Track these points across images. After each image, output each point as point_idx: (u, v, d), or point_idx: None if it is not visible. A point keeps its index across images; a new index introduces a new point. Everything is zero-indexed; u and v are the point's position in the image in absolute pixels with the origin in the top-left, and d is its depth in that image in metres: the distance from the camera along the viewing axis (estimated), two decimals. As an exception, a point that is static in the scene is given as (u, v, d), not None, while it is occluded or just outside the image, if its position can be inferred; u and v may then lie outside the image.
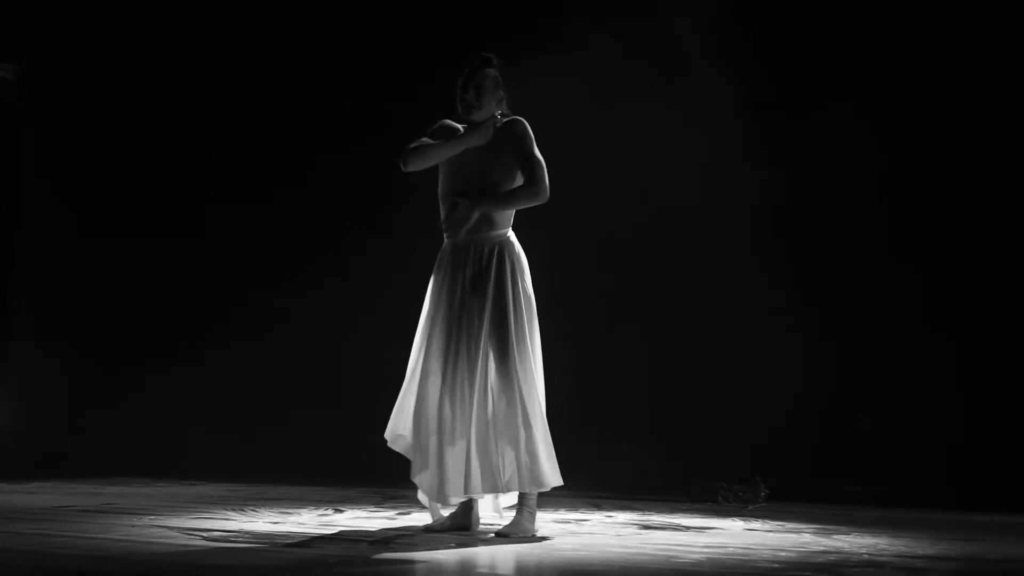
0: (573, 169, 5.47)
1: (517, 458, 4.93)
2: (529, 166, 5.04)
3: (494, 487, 4.95)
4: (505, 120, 5.12)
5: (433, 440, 4.96)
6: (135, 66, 8.91)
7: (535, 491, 5.04)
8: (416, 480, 5.07)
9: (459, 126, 5.18)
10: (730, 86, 7.64)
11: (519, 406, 4.96)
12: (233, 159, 8.70)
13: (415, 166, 5.10)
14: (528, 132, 5.07)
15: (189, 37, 8.80)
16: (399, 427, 5.14)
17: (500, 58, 5.21)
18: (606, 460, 7.69)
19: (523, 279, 5.13)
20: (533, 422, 4.97)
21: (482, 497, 5.11)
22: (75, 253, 9.01)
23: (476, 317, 5.00)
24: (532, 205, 5.11)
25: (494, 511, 5.24)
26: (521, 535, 4.97)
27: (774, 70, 7.67)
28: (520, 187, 5.06)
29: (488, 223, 5.08)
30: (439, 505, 5.13)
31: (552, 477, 4.99)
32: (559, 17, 7.80)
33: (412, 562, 4.29)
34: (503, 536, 4.96)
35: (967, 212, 7.31)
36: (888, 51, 7.40)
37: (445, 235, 5.15)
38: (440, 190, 5.19)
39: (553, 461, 5.01)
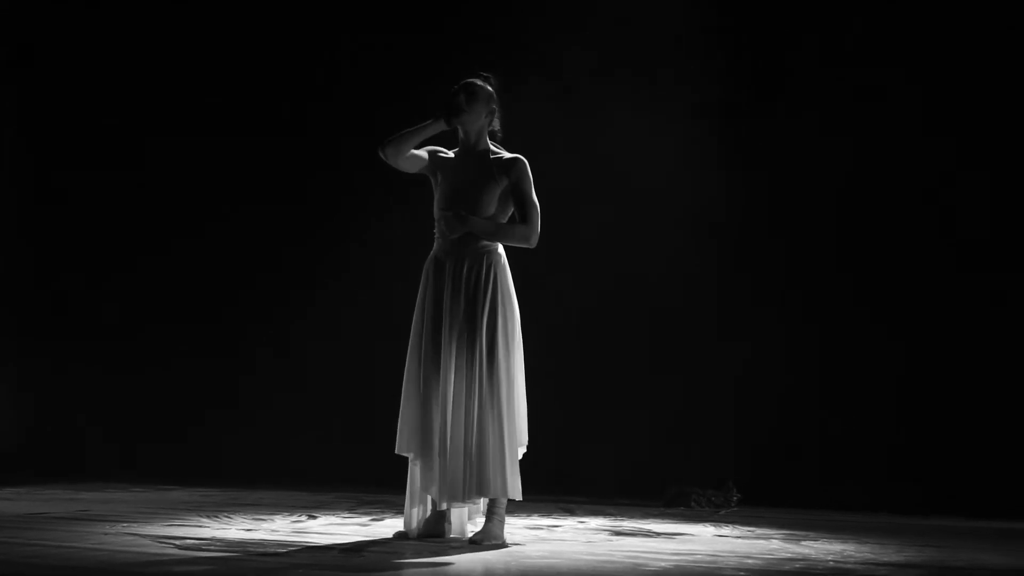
0: (543, 176, 5.52)
1: (488, 467, 4.99)
2: (525, 209, 5.17)
3: (469, 496, 5.01)
4: (507, 157, 5.21)
5: (428, 451, 5.04)
6: (112, 79, 8.91)
7: (504, 499, 5.09)
8: (424, 490, 5.13)
9: (449, 152, 5.28)
10: (696, 92, 7.72)
11: (493, 416, 5.02)
12: (221, 167, 8.71)
13: (392, 154, 5.18)
14: (529, 174, 5.19)
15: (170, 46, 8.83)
16: (402, 440, 5.20)
17: (498, 77, 5.32)
18: (581, 465, 7.74)
19: (506, 289, 5.19)
20: (504, 432, 5.03)
21: (461, 506, 5.16)
22: (52, 259, 8.99)
23: (458, 325, 5.08)
24: (519, 246, 5.23)
25: (459, 519, 5.30)
26: (491, 542, 5.02)
27: (741, 76, 7.75)
28: (516, 225, 5.18)
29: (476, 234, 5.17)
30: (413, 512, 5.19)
31: (514, 489, 5.05)
32: (529, 27, 7.88)
33: (381, 570, 4.32)
34: (474, 543, 5.01)
35: (920, 220, 7.42)
36: (853, 62, 7.51)
37: (436, 238, 5.23)
38: (435, 211, 5.26)
39: (517, 472, 5.07)
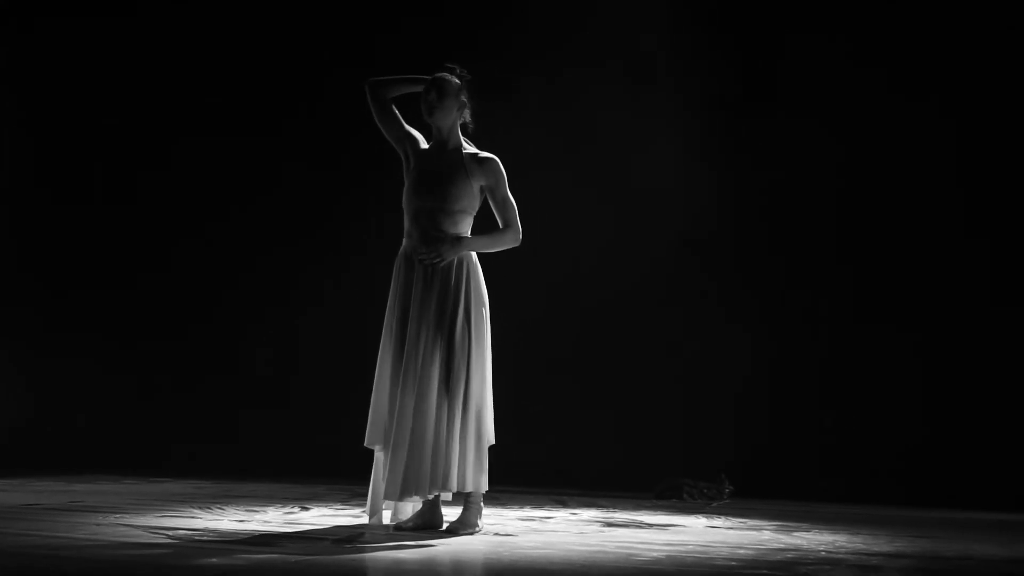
0: (536, 174, 5.56)
1: (459, 459, 5.05)
2: (508, 214, 5.26)
3: (443, 487, 5.06)
4: (480, 156, 5.26)
5: (391, 442, 5.07)
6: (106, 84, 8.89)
7: (478, 491, 5.15)
8: (382, 480, 5.15)
9: (425, 143, 5.32)
10: (694, 89, 7.75)
11: (464, 412, 5.09)
12: (222, 166, 8.71)
13: (372, 91, 5.29)
14: (504, 173, 5.26)
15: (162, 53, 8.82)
16: (373, 433, 5.21)
17: (465, 68, 5.32)
18: (573, 457, 7.75)
19: (478, 286, 5.24)
20: (475, 425, 5.11)
21: (430, 496, 5.16)
22: (51, 262, 8.96)
23: (428, 322, 5.12)
24: (509, 248, 5.32)
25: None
26: (467, 530, 5.09)
27: (737, 72, 7.78)
28: (501, 232, 5.27)
29: (444, 232, 5.18)
30: (396, 504, 5.21)
31: (480, 483, 5.13)
32: (527, 27, 7.92)
33: (371, 560, 4.33)
34: (450, 531, 5.08)
35: (921, 214, 7.44)
36: (848, 59, 7.54)
37: (408, 248, 5.24)
38: (404, 201, 5.29)
39: (485, 467, 5.14)
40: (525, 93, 7.83)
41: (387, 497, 5.11)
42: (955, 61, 7.37)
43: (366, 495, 6.53)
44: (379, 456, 5.19)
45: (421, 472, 5.00)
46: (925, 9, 7.42)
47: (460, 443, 5.07)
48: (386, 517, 5.26)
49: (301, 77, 8.57)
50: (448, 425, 5.05)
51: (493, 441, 5.21)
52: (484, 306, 5.24)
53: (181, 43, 8.76)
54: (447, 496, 5.20)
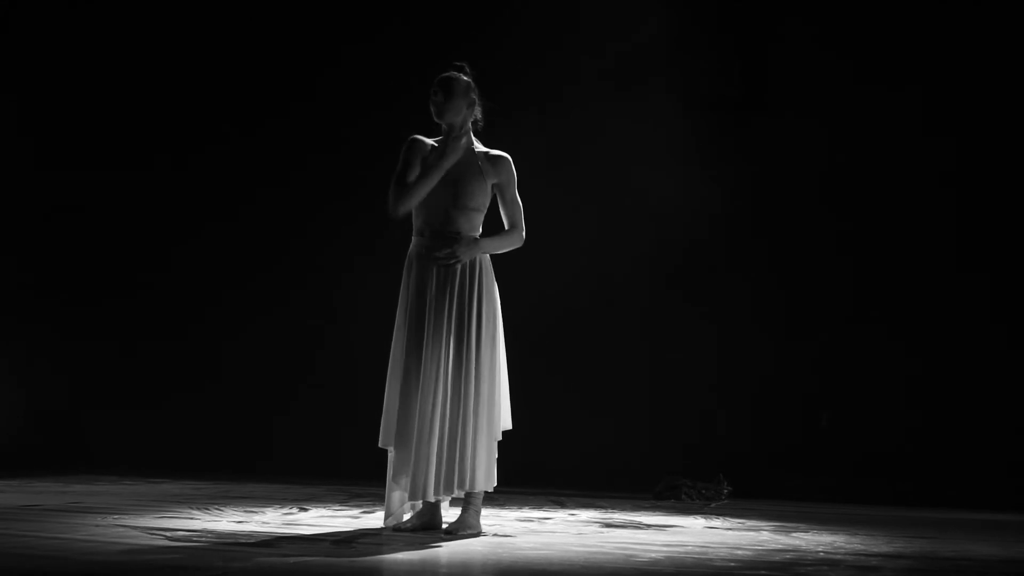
0: (533, 175, 5.56)
1: (471, 459, 5.05)
2: (515, 214, 5.28)
3: (461, 488, 5.05)
4: (492, 153, 5.26)
5: (408, 442, 5.06)
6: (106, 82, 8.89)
7: (480, 491, 5.15)
8: (395, 481, 5.15)
9: (430, 140, 5.25)
10: (692, 91, 7.76)
11: (478, 412, 5.08)
12: (219, 168, 8.73)
13: (405, 208, 5.14)
14: (515, 173, 5.27)
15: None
16: (387, 433, 5.20)
17: (475, 67, 5.30)
18: (572, 457, 7.76)
19: (490, 284, 5.24)
20: (487, 425, 5.10)
21: (447, 498, 5.18)
22: (41, 263, 8.96)
23: (443, 321, 5.11)
24: (514, 248, 5.33)
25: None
26: (466, 531, 5.08)
27: (735, 73, 7.79)
28: (508, 233, 5.27)
29: (458, 232, 5.17)
30: (401, 504, 5.20)
31: (491, 482, 5.14)
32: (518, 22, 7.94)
33: (370, 562, 4.33)
34: (449, 533, 5.07)
35: (918, 215, 7.46)
36: (848, 61, 7.56)
37: (419, 247, 5.22)
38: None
39: (494, 465, 5.15)
40: (523, 93, 7.83)
41: (411, 498, 5.08)
42: (955, 62, 7.38)
43: (365, 496, 6.61)
44: (393, 456, 5.17)
45: (443, 474, 5.00)
46: (925, 12, 7.42)
47: (475, 444, 5.06)
48: (404, 517, 5.25)
49: (299, 77, 8.58)
50: (463, 426, 5.03)
51: (508, 427, 5.22)
52: (498, 307, 5.24)
53: (180, 43, 8.77)
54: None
